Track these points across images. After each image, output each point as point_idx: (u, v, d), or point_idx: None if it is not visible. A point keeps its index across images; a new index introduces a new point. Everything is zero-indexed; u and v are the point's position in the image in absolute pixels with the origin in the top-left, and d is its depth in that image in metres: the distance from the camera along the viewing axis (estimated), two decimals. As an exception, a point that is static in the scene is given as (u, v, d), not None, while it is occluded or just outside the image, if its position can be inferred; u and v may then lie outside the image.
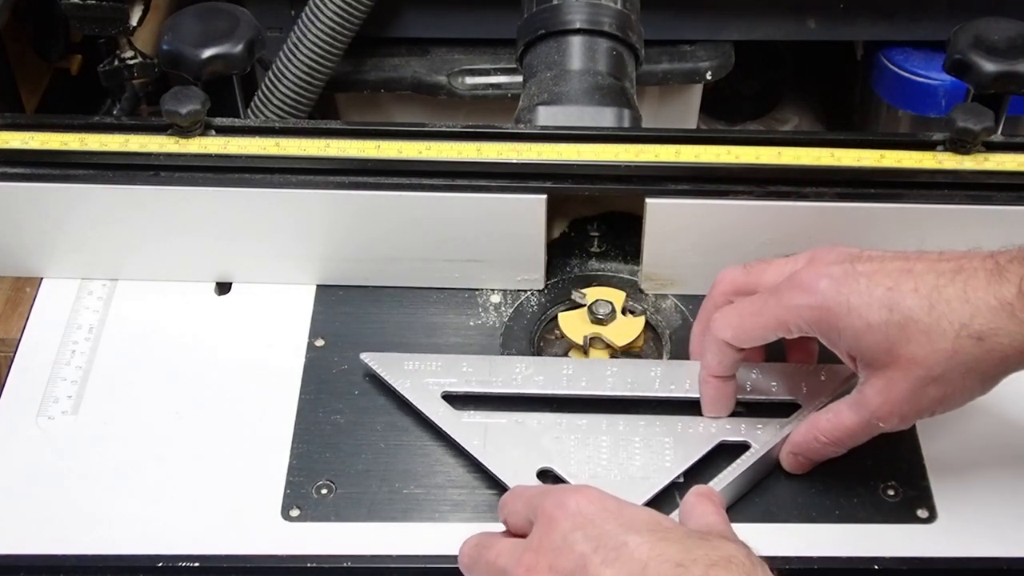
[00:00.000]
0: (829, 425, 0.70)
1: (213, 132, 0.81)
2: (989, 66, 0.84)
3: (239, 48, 0.84)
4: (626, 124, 0.86)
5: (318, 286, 0.85)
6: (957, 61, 0.85)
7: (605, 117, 0.85)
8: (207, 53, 0.84)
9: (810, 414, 0.73)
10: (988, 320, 0.64)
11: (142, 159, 0.80)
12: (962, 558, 0.70)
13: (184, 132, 0.80)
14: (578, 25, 0.89)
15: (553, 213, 0.84)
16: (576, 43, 0.89)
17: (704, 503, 0.69)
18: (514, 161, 0.79)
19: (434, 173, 0.80)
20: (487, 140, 0.80)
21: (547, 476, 0.73)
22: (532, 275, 0.84)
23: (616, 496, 0.63)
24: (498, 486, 0.73)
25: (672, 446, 0.74)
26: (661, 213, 0.80)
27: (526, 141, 0.80)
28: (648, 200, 0.80)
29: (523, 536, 0.64)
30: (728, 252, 0.80)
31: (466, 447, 0.74)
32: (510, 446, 0.74)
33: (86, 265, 0.85)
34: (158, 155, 0.80)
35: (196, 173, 0.80)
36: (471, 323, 0.83)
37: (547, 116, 0.85)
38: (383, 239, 0.82)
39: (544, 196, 0.80)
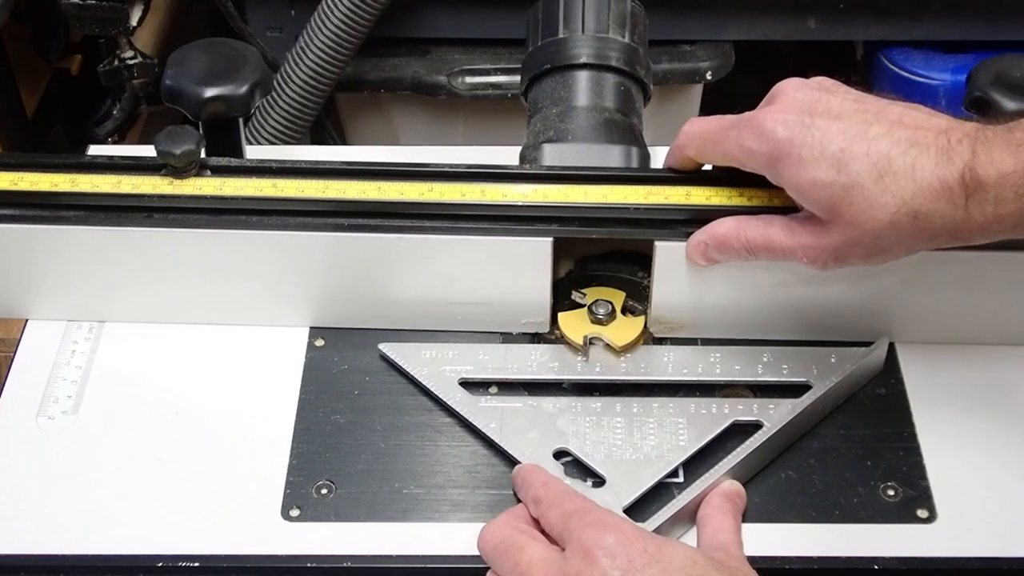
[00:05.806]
0: (756, 233, 0.72)
1: (208, 172, 0.78)
2: (1010, 104, 0.81)
3: (242, 90, 0.81)
4: (634, 162, 0.83)
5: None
6: (977, 98, 0.82)
7: (612, 155, 0.82)
8: (209, 93, 0.80)
9: (739, 216, 0.74)
10: (927, 201, 0.65)
11: (135, 200, 0.77)
12: (962, 558, 0.70)
13: (178, 173, 0.77)
14: (584, 60, 0.86)
15: (559, 253, 0.81)
16: (582, 78, 0.86)
17: (722, 516, 0.70)
18: (519, 204, 0.77)
19: (436, 216, 0.77)
20: (491, 181, 0.78)
21: (563, 457, 0.74)
22: (537, 318, 0.82)
23: (652, 534, 0.64)
24: (499, 485, 0.74)
25: (686, 426, 0.75)
26: (672, 257, 0.77)
27: (531, 182, 0.78)
28: (658, 243, 0.77)
29: (550, 539, 0.66)
30: (741, 296, 0.79)
31: (483, 430, 0.75)
32: (526, 428, 0.75)
33: (75, 308, 0.82)
34: (151, 196, 0.77)
35: (191, 215, 0.77)
36: (471, 323, 0.83)
37: (553, 154, 0.82)
38: (384, 282, 0.80)
39: (550, 239, 0.77)
